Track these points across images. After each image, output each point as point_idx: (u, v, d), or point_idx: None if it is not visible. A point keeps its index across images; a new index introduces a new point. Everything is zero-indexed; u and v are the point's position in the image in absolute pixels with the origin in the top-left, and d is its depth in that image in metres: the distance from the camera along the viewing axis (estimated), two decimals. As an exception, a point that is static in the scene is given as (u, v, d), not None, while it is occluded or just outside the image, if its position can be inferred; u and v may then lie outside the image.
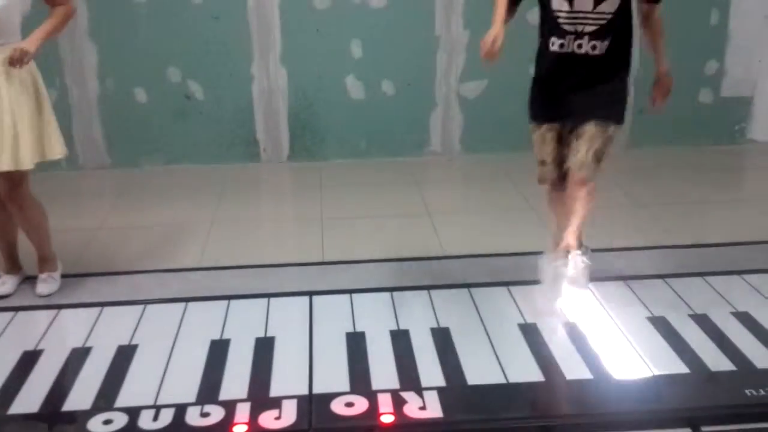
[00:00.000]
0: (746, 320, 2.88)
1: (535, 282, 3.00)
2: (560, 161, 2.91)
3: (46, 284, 3.15)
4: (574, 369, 2.57)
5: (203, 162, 4.80)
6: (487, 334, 2.81)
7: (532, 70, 2.95)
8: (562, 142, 2.90)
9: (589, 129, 2.78)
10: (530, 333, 2.81)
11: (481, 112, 4.90)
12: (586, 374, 2.55)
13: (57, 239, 3.26)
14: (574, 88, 2.79)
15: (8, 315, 2.99)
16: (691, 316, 2.92)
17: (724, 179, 4.61)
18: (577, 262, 2.86)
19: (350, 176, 4.66)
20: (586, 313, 2.94)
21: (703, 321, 2.88)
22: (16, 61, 2.73)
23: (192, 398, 2.44)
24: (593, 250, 3.01)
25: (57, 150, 2.98)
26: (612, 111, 2.82)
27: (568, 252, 2.85)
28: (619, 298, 3.06)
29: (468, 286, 3.17)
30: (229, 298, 3.09)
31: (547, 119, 2.90)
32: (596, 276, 3.03)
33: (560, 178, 2.94)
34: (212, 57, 4.67)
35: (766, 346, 2.69)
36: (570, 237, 2.86)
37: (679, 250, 3.52)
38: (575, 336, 2.78)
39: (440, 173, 4.81)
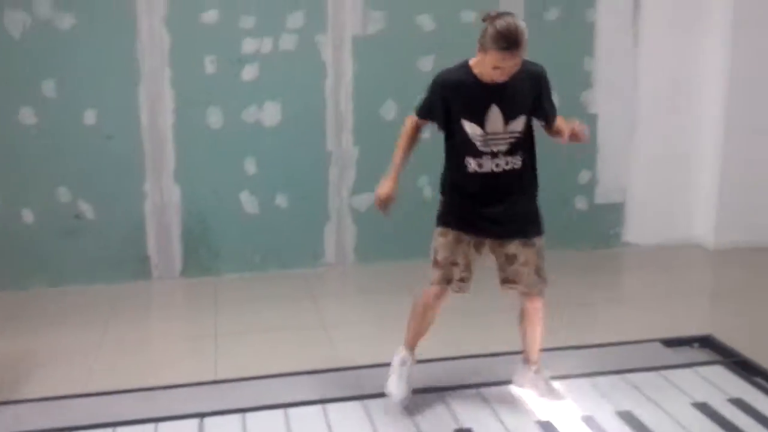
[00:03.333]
0: (630, 420, 3.00)
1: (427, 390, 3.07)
2: (464, 267, 2.99)
3: None
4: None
5: (93, 282, 4.70)
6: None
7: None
8: (475, 248, 3.01)
9: (519, 249, 2.96)
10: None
11: (373, 224, 5.04)
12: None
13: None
14: (492, 205, 2.93)
15: None
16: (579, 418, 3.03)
17: (602, 281, 4.87)
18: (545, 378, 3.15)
19: (245, 290, 4.65)
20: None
21: (590, 422, 3.00)
22: None
23: None
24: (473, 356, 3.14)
25: None
26: (534, 227, 3.01)
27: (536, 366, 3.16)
28: (512, 402, 3.15)
29: (362, 398, 3.18)
30: (114, 425, 2.99)
31: (461, 229, 2.98)
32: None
33: (462, 281, 3.01)
34: (104, 176, 4.67)
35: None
36: (538, 353, 3.15)
37: (562, 351, 3.66)
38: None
39: (335, 285, 4.88)
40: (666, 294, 4.58)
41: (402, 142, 3.03)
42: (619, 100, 5.24)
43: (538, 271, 3.00)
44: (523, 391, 3.21)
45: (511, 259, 2.99)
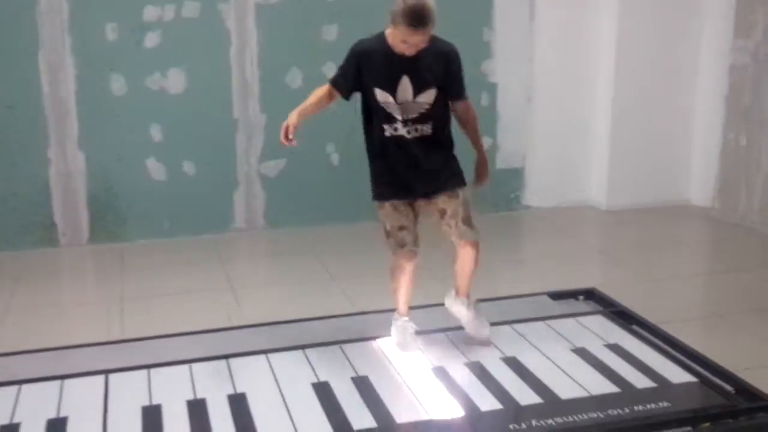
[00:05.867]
0: (513, 364, 3.24)
1: (328, 343, 3.23)
2: (409, 230, 3.18)
3: None
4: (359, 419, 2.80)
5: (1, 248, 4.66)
6: (283, 397, 2.97)
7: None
8: (413, 214, 3.19)
9: (447, 203, 3.13)
10: (322, 390, 3.01)
11: (282, 190, 5.16)
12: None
13: None
14: (413, 166, 3.09)
15: None
16: (466, 364, 3.24)
17: (502, 242, 5.13)
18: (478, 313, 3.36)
19: (154, 256, 4.72)
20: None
21: (475, 367, 3.21)
22: None
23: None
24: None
25: None
26: (456, 179, 3.16)
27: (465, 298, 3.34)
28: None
29: (265, 352, 3.32)
30: (20, 383, 3.04)
31: (393, 197, 3.14)
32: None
33: (406, 244, 3.18)
34: (7, 144, 4.62)
35: (529, 387, 3.04)
36: (467, 288, 3.32)
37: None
38: (363, 388, 3.02)
39: (244, 248, 4.99)
40: (559, 253, 4.88)
41: (312, 96, 3.14)
42: (517, 70, 5.49)
43: (466, 221, 3.17)
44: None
45: (441, 213, 3.18)
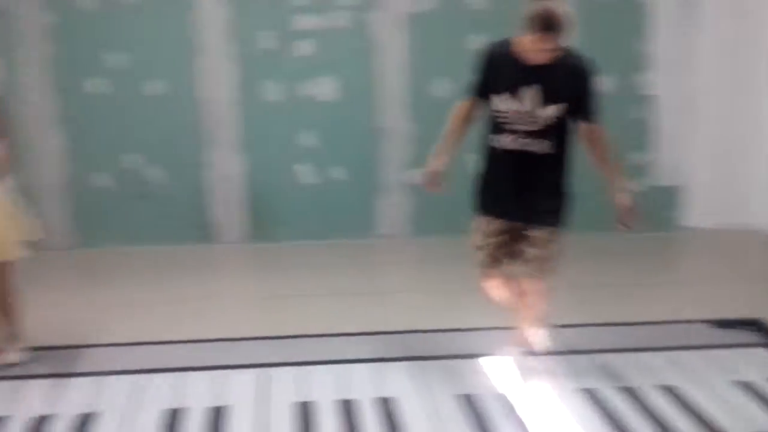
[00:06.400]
0: (671, 394, 3.07)
1: (476, 356, 3.19)
2: (500, 247, 3.06)
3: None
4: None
5: (161, 243, 4.94)
6: (428, 406, 2.96)
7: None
8: (507, 233, 3.05)
9: (536, 235, 2.99)
10: (469, 404, 2.97)
11: (427, 198, 5.14)
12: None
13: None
14: (520, 188, 2.95)
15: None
16: (620, 388, 3.10)
17: (657, 263, 4.90)
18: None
19: (303, 257, 4.85)
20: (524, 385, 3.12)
21: (631, 393, 3.07)
22: None
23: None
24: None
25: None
26: (555, 218, 3.00)
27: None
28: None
29: (414, 359, 3.33)
30: (185, 369, 3.21)
31: (494, 215, 3.04)
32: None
33: (494, 262, 3.08)
34: (172, 144, 4.89)
35: (689, 419, 2.86)
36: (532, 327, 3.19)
37: (612, 327, 3.72)
38: (509, 406, 2.95)
39: (388, 255, 5.03)
40: (719, 278, 4.59)
41: (451, 123, 3.06)
42: (676, 83, 5.22)
43: (546, 257, 3.02)
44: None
45: (525, 240, 3.01)
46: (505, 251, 3.07)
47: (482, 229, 3.08)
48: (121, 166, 4.89)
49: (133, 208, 4.92)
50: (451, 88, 4.93)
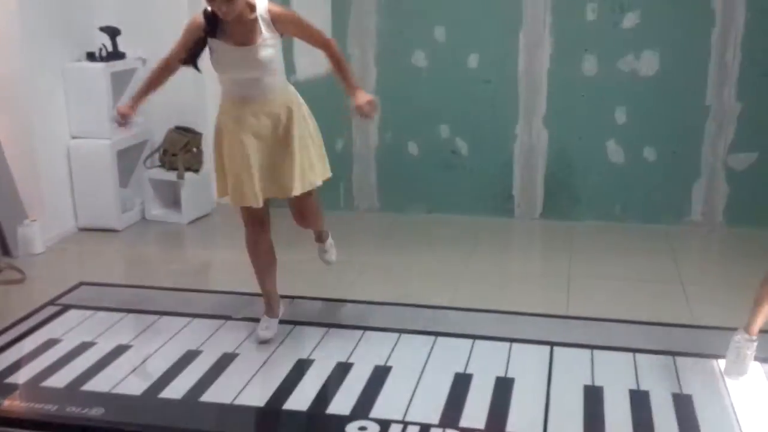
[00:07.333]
0: None
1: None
2: None
3: (331, 251, 3.70)
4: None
5: (462, 212, 5.12)
6: (733, 408, 2.75)
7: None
8: None
9: None
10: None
11: (749, 185, 4.72)
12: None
13: (328, 269, 3.78)
14: None
15: (288, 327, 3.48)
16: None
17: None
18: None
19: (602, 238, 4.70)
20: None
21: None
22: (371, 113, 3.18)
23: (435, 420, 2.69)
24: None
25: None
26: None
27: None
28: None
29: (715, 356, 3.10)
30: (474, 337, 3.33)
31: None
32: None
33: None
34: (480, 116, 5.02)
35: None
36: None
37: None
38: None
39: (699, 244, 4.69)
40: None
41: None
42: None
43: None
44: None
45: None
46: None
47: None
48: (433, 136, 5.12)
49: (440, 176, 5.14)
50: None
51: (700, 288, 3.92)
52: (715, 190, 4.79)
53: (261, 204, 3.15)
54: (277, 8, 3.07)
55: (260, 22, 3.00)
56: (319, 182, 3.27)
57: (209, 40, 3.02)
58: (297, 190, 3.16)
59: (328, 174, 3.33)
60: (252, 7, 3.00)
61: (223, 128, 3.17)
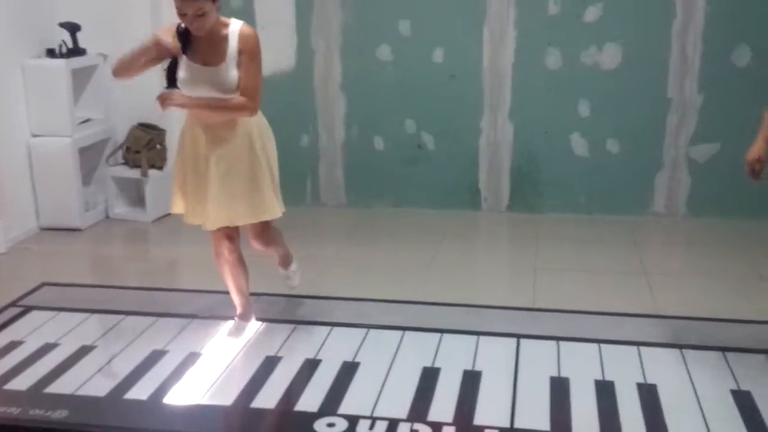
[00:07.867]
0: None
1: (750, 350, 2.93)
2: None
3: (294, 277, 3.61)
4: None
5: (428, 207, 5.13)
6: (697, 397, 2.79)
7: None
8: None
9: None
10: (742, 400, 2.76)
11: (711, 176, 4.79)
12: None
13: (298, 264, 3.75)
14: None
15: (255, 324, 3.46)
16: None
17: None
18: None
19: (567, 230, 4.76)
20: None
21: None
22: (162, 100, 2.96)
23: (404, 415, 2.69)
24: None
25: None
26: None
27: None
28: None
29: (680, 347, 3.15)
30: (442, 331, 3.34)
31: None
32: None
33: None
34: (445, 111, 5.03)
35: None
36: None
37: None
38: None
39: (662, 235, 4.76)
40: None
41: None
42: None
43: None
44: None
45: None
46: None
47: None
48: (398, 131, 5.12)
49: (406, 170, 5.15)
50: (752, 56, 4.51)
51: (663, 278, 3.98)
52: (677, 182, 4.86)
53: (212, 228, 3.11)
54: (249, 32, 2.98)
55: (230, 41, 2.95)
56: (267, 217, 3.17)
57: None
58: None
59: (279, 213, 3.20)
60: (225, 25, 2.96)
61: (183, 142, 3.14)
